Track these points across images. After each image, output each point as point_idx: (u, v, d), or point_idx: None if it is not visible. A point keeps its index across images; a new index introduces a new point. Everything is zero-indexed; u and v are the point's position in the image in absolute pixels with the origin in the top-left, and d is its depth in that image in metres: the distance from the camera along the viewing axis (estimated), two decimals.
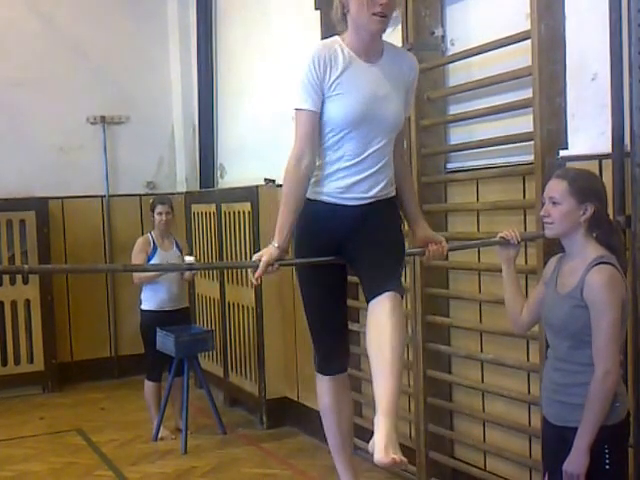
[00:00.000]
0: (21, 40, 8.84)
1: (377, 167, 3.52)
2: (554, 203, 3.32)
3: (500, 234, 3.69)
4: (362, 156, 3.49)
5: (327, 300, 3.74)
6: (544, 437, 3.58)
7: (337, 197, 3.52)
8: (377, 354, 3.16)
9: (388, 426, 2.96)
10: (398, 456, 2.89)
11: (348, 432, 3.95)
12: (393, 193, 3.65)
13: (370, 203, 3.54)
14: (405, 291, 5.35)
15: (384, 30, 3.46)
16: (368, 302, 3.33)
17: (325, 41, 3.57)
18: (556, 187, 3.32)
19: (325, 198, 3.54)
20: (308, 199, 3.55)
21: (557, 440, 3.39)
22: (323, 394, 3.87)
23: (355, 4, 3.38)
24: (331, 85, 3.43)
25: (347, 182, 3.50)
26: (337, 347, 3.84)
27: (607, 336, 3.19)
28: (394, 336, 3.17)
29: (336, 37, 3.55)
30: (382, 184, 3.55)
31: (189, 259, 6.78)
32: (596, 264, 3.23)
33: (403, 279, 3.94)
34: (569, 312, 3.27)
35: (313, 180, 3.54)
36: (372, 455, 2.95)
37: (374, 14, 3.35)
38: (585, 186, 3.31)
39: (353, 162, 3.49)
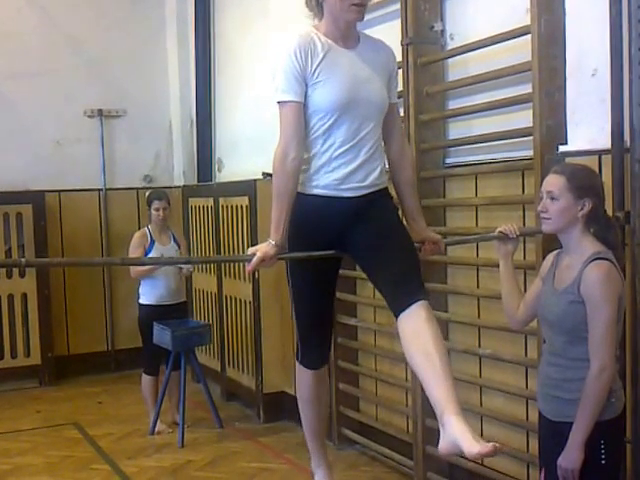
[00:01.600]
0: (19, 34, 8.81)
1: (370, 153, 3.53)
2: (552, 198, 3.31)
3: (499, 228, 3.69)
4: (353, 141, 3.48)
5: (317, 294, 3.75)
6: (540, 432, 3.58)
7: (333, 189, 3.51)
8: (426, 363, 3.09)
9: (465, 422, 2.92)
10: (492, 443, 2.83)
11: (324, 418, 4.05)
12: (386, 184, 3.65)
13: (366, 195, 3.54)
14: None
15: (361, 20, 3.51)
16: (397, 315, 3.28)
17: (301, 32, 3.55)
18: (554, 182, 3.32)
19: (320, 192, 3.52)
20: (302, 193, 3.53)
21: (553, 435, 3.40)
22: (303, 385, 3.89)
23: None
24: (313, 73, 3.44)
25: (343, 172, 3.49)
26: (321, 341, 3.85)
27: (603, 332, 3.19)
28: (438, 343, 3.14)
29: (310, 28, 3.58)
30: (377, 171, 3.56)
31: (187, 267, 6.82)
32: (593, 259, 3.24)
33: None
34: (565, 307, 3.27)
35: (305, 174, 3.53)
36: (459, 451, 2.90)
37: (353, 4, 3.39)
38: (583, 182, 3.31)
39: (345, 149, 3.48)
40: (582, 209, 3.30)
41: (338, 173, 3.49)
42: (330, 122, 3.47)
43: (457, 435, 2.88)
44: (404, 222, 3.73)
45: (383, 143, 3.70)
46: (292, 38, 3.50)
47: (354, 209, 3.51)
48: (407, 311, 3.23)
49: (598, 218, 3.35)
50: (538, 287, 3.56)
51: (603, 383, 3.20)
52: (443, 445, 2.94)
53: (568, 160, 4.07)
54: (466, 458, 5.14)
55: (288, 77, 3.44)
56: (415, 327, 3.19)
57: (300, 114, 3.46)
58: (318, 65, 3.43)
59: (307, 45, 3.45)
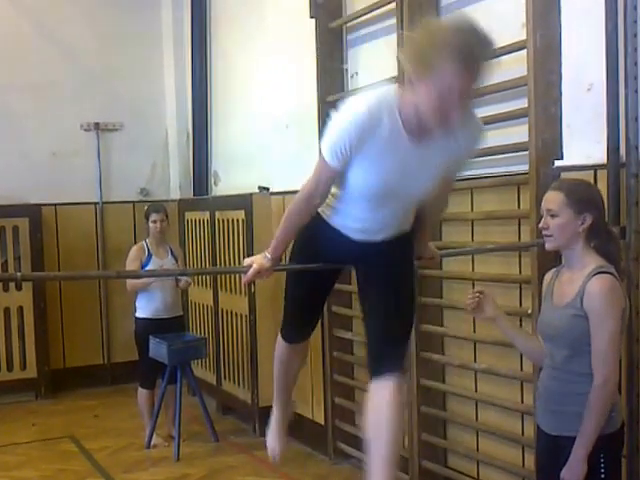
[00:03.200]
0: (15, 46, 8.83)
1: (393, 224, 3.37)
2: (552, 215, 3.30)
3: (467, 303, 3.61)
4: (377, 223, 3.34)
5: (310, 299, 3.72)
6: (538, 447, 3.56)
7: (350, 232, 3.39)
8: (374, 442, 3.18)
9: None
10: None
11: (293, 379, 4.04)
12: (408, 229, 3.46)
13: (383, 241, 3.40)
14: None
15: (451, 127, 3.00)
16: (371, 375, 3.29)
17: (377, 96, 3.06)
18: (553, 199, 3.31)
19: (338, 227, 3.42)
20: (323, 216, 3.44)
21: (552, 450, 3.39)
22: (280, 350, 3.87)
23: (426, 91, 2.87)
24: (361, 154, 3.07)
25: (359, 226, 3.35)
26: (306, 326, 3.83)
27: (606, 345, 3.19)
28: (391, 429, 3.18)
29: (392, 92, 3.08)
30: (396, 230, 3.40)
31: (184, 280, 6.82)
32: (596, 273, 3.23)
33: None
34: (568, 321, 3.26)
35: (329, 208, 3.41)
36: None
37: (441, 110, 2.88)
38: (582, 196, 3.30)
39: (367, 218, 3.32)
40: (583, 224, 3.28)
41: (358, 225, 3.36)
42: (359, 203, 3.29)
43: None
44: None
45: None
46: (364, 99, 3.05)
47: (367, 250, 3.40)
48: (378, 382, 3.24)
49: (599, 231, 3.34)
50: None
51: (606, 396, 3.20)
52: None
53: (564, 175, 4.07)
54: (462, 472, 5.17)
55: (339, 141, 3.04)
56: (379, 402, 3.22)
57: (333, 177, 3.22)
58: (371, 147, 3.04)
59: (374, 120, 3.00)
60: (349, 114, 3.03)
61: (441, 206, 3.71)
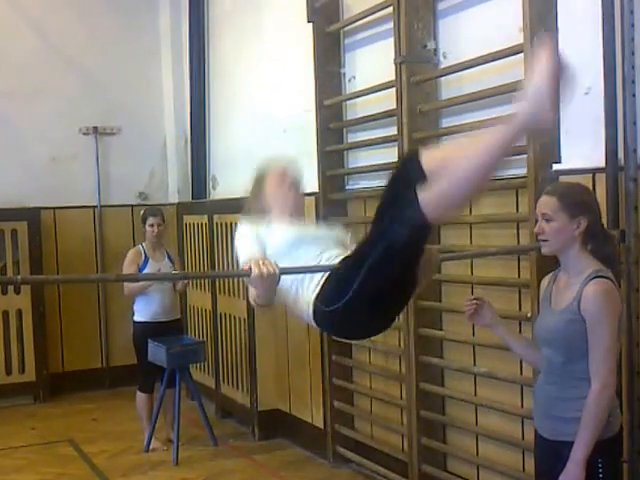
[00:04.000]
0: (14, 51, 8.84)
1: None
2: (547, 220, 3.29)
3: (466, 309, 3.60)
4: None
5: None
6: (537, 451, 3.55)
7: None
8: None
9: None
10: None
11: None
12: None
13: None
14: None
15: None
16: None
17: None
18: (547, 203, 3.30)
19: None
20: None
21: (550, 454, 3.38)
22: None
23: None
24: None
25: None
26: None
27: (604, 350, 3.18)
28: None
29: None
30: None
31: (181, 282, 6.81)
32: (593, 278, 3.22)
33: None
34: (565, 326, 3.26)
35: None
36: None
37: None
38: (576, 200, 3.30)
39: None
40: (578, 227, 3.28)
41: None
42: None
43: None
44: None
45: None
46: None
47: None
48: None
49: (595, 234, 3.33)
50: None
51: (604, 402, 3.19)
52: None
53: (562, 178, 4.08)
54: (461, 477, 5.16)
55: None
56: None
57: None
58: None
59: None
60: None
61: None
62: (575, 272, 3.30)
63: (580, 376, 3.24)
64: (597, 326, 3.18)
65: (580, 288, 3.23)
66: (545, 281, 3.54)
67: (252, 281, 3.16)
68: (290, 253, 3.38)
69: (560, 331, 3.28)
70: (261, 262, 3.18)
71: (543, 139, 4.22)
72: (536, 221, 3.38)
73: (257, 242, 3.45)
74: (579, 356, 3.24)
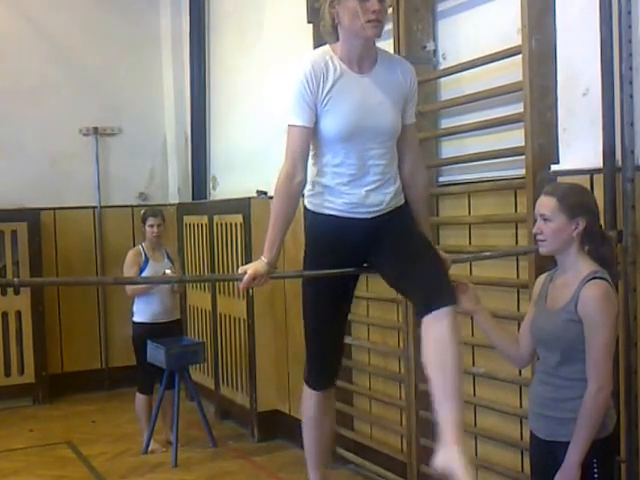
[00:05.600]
0: (14, 51, 8.84)
1: (381, 177, 3.50)
2: (545, 220, 3.30)
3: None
4: (363, 169, 3.46)
5: (331, 315, 3.70)
6: (532, 452, 3.56)
7: (349, 212, 3.48)
8: (440, 377, 3.11)
9: (463, 454, 2.99)
10: None
11: (327, 447, 4.01)
12: (402, 201, 3.61)
13: (383, 214, 3.51)
14: (400, 303, 5.34)
15: (379, 35, 3.40)
16: (422, 315, 3.23)
17: (316, 53, 3.51)
18: (546, 204, 3.31)
19: (337, 213, 3.49)
20: (318, 213, 3.52)
21: (546, 455, 3.38)
22: (308, 408, 3.88)
23: (348, 14, 3.33)
24: (323, 100, 3.39)
25: (357, 197, 3.47)
26: (330, 362, 3.83)
27: (601, 352, 3.18)
28: (456, 358, 3.13)
29: (326, 47, 3.51)
30: (391, 194, 3.53)
31: (169, 272, 6.79)
32: (590, 279, 3.23)
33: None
34: (561, 326, 3.26)
35: (320, 196, 3.51)
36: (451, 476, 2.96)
37: (369, 21, 3.30)
38: (575, 201, 3.30)
39: (355, 176, 3.46)
40: (576, 228, 3.28)
41: (352, 198, 3.47)
42: (338, 150, 3.45)
43: (454, 465, 2.95)
44: None
45: (398, 159, 3.65)
46: (306, 59, 3.45)
47: (372, 227, 3.49)
48: (433, 314, 3.17)
49: (593, 235, 3.34)
50: (532, 314, 3.53)
51: (600, 403, 3.19)
52: (439, 464, 2.99)
53: (560, 179, 4.07)
54: None
55: (299, 101, 3.39)
56: (439, 334, 3.15)
57: (308, 139, 3.45)
58: (329, 92, 3.39)
59: (319, 69, 3.40)
60: (298, 76, 3.40)
61: (421, 174, 3.72)
62: (572, 272, 3.31)
63: (576, 377, 3.25)
64: (594, 327, 3.18)
65: (577, 289, 3.24)
66: (541, 279, 3.55)
67: (241, 284, 3.38)
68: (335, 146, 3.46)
69: (557, 331, 3.29)
70: (258, 278, 3.37)
71: (541, 140, 4.23)
72: (534, 221, 3.38)
73: (309, 106, 3.40)
74: (575, 357, 3.25)
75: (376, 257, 3.53)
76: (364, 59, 3.47)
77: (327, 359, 3.81)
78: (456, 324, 3.19)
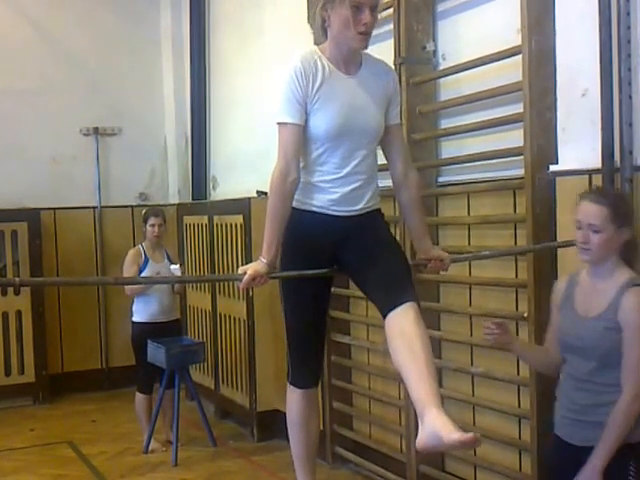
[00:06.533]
0: (15, 51, 8.85)
1: (363, 178, 3.57)
2: (594, 231, 3.21)
3: (486, 335, 3.58)
4: (347, 168, 3.53)
5: (311, 311, 3.75)
6: (557, 458, 3.49)
7: (328, 209, 3.55)
8: (410, 360, 3.05)
9: (445, 415, 2.87)
10: (473, 433, 2.77)
11: (314, 445, 3.96)
12: (378, 205, 3.69)
13: (360, 215, 3.58)
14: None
15: (366, 48, 3.53)
16: (385, 315, 3.25)
17: (305, 53, 3.57)
18: (596, 214, 3.21)
19: (315, 209, 3.56)
20: (297, 209, 3.58)
21: (574, 461, 3.29)
22: (291, 406, 3.88)
23: (339, 21, 3.42)
24: (313, 98, 3.47)
25: (337, 195, 3.53)
26: (313, 360, 3.85)
27: (638, 360, 3.16)
28: (424, 342, 3.11)
29: (314, 48, 3.61)
30: (369, 195, 3.61)
31: (174, 267, 6.79)
32: (631, 286, 3.19)
33: None
34: (600, 334, 3.21)
35: (301, 193, 3.57)
36: (438, 443, 2.81)
37: (359, 33, 3.40)
38: (624, 211, 3.26)
39: (339, 175, 3.53)
40: (623, 238, 3.25)
41: (333, 195, 3.54)
42: (324, 149, 3.52)
43: (436, 425, 2.83)
44: (410, 241, 3.77)
45: (387, 162, 3.75)
46: (295, 59, 3.52)
47: (348, 226, 3.56)
48: (396, 310, 3.21)
49: (633, 245, 3.32)
50: (558, 319, 3.49)
51: (634, 410, 3.16)
52: (422, 438, 2.86)
53: (559, 180, 4.10)
54: (459, 477, 5.17)
55: (290, 99, 3.47)
56: (402, 326, 3.17)
57: (300, 136, 3.50)
58: (318, 90, 3.47)
59: (310, 68, 3.48)
60: (288, 74, 3.48)
61: (412, 173, 3.78)
62: (608, 279, 3.27)
63: (610, 382, 3.22)
64: (635, 336, 3.15)
65: (617, 295, 3.20)
66: (562, 285, 3.50)
67: (241, 284, 3.40)
68: (324, 144, 3.52)
69: (594, 340, 3.24)
70: (258, 278, 3.39)
71: (540, 140, 4.24)
72: (578, 228, 3.29)
73: (300, 104, 3.47)
74: (611, 364, 3.21)
75: (346, 259, 3.59)
76: (350, 62, 3.57)
77: (311, 357, 3.84)
78: (419, 317, 3.20)
